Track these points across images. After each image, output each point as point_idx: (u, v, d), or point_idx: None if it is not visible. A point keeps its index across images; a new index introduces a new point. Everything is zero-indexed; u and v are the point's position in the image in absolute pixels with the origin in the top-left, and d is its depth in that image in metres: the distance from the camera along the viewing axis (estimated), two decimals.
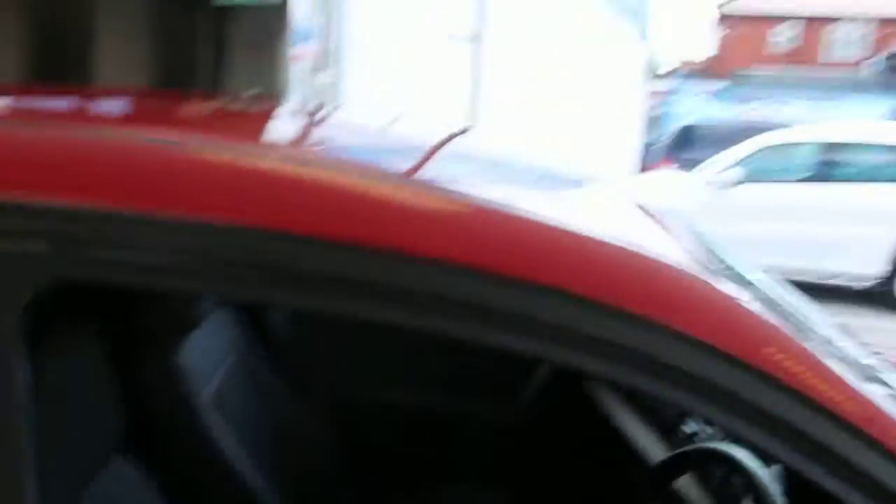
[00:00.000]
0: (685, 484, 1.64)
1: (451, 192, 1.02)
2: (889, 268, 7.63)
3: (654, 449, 1.88)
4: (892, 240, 7.60)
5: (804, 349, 0.87)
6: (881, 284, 7.66)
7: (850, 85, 22.57)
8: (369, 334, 2.34)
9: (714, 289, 0.93)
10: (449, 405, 2.38)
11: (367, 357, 2.35)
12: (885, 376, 0.96)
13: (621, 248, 0.93)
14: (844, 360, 0.91)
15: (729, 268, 1.08)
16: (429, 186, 1.05)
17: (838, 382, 0.85)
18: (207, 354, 1.63)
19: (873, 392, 0.87)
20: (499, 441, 2.36)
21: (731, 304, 0.91)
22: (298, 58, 5.40)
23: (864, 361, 0.93)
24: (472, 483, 2.20)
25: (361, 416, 2.31)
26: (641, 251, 0.97)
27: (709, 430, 1.74)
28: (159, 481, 1.35)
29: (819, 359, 0.88)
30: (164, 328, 1.52)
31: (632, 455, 1.93)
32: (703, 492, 1.62)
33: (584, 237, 0.92)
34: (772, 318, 0.91)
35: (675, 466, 1.56)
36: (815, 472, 0.82)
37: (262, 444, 1.67)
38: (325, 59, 6.57)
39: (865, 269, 7.65)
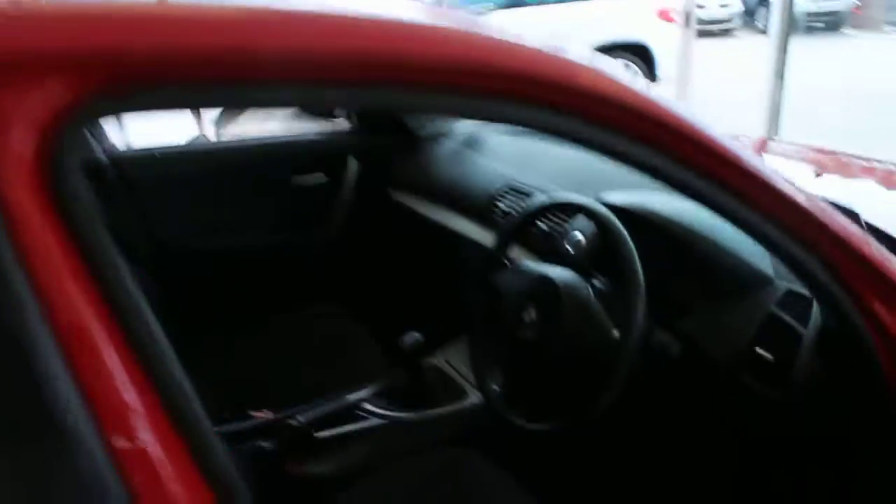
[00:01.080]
0: (518, 254, 1.80)
1: None
2: None
3: (476, 232, 2.04)
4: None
5: None
6: None
7: None
8: (182, 183, 2.30)
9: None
10: (269, 243, 2.42)
11: (182, 206, 2.32)
12: None
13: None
14: None
15: None
16: None
17: None
18: None
19: None
20: (329, 267, 2.46)
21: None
22: None
23: None
24: (314, 306, 2.28)
25: (187, 261, 2.30)
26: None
27: (520, 205, 1.90)
28: None
29: None
30: None
31: (458, 242, 2.09)
32: (535, 250, 1.79)
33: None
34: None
35: (510, 236, 1.69)
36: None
37: None
38: None
39: None
